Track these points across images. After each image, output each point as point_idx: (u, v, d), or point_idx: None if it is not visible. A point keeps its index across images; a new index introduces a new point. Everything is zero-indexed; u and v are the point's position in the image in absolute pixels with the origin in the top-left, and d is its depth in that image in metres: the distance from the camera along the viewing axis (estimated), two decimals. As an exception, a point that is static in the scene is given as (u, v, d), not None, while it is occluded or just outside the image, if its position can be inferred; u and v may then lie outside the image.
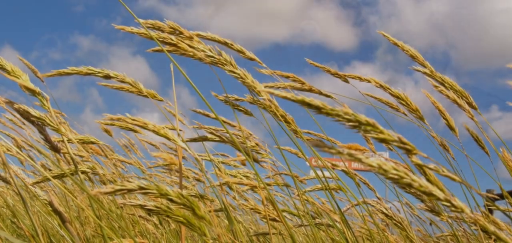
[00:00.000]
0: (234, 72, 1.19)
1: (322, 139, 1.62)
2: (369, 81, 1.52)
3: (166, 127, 1.04)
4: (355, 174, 1.67)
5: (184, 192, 0.79)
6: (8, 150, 1.35)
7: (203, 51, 1.18)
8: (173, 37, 1.18)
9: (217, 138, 1.37)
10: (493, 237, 0.60)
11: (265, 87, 1.32)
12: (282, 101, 1.29)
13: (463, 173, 1.61)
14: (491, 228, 0.62)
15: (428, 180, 1.03)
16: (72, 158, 1.15)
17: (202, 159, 1.76)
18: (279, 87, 1.45)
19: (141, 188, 0.76)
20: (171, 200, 0.78)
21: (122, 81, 1.22)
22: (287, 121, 1.34)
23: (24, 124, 2.23)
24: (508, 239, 0.60)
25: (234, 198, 1.96)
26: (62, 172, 1.22)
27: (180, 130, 1.25)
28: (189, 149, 1.07)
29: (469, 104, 1.48)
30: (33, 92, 1.07)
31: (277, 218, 1.46)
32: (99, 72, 1.20)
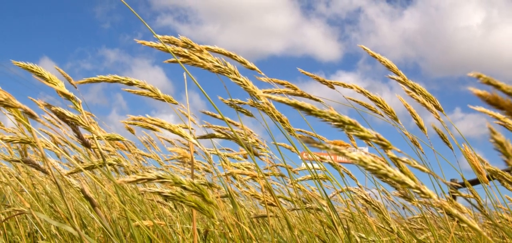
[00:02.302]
0: (238, 80, 1.19)
1: (312, 136, 1.62)
2: (351, 87, 1.52)
3: (180, 126, 1.04)
4: (340, 166, 1.66)
5: (195, 181, 0.79)
6: (46, 145, 1.35)
7: (211, 62, 1.17)
8: (186, 50, 1.17)
9: (223, 136, 1.37)
10: (456, 219, 0.60)
11: (264, 92, 1.31)
12: (278, 104, 1.29)
13: (430, 165, 1.61)
14: (454, 211, 0.62)
15: (401, 171, 1.03)
16: (100, 152, 1.14)
17: (210, 153, 1.76)
18: (276, 93, 1.45)
19: (159, 177, 0.76)
20: (184, 188, 0.78)
21: (143, 88, 1.22)
22: (282, 121, 1.34)
23: (60, 123, 2.22)
24: (468, 220, 0.60)
25: (238, 186, 1.96)
26: (92, 164, 1.22)
27: (191, 128, 1.25)
28: (200, 144, 1.07)
29: (436, 106, 1.48)
30: (67, 97, 1.07)
31: (274, 203, 1.46)
32: (123, 80, 1.20)
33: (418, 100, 1.47)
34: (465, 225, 0.61)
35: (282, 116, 1.34)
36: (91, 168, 1.23)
